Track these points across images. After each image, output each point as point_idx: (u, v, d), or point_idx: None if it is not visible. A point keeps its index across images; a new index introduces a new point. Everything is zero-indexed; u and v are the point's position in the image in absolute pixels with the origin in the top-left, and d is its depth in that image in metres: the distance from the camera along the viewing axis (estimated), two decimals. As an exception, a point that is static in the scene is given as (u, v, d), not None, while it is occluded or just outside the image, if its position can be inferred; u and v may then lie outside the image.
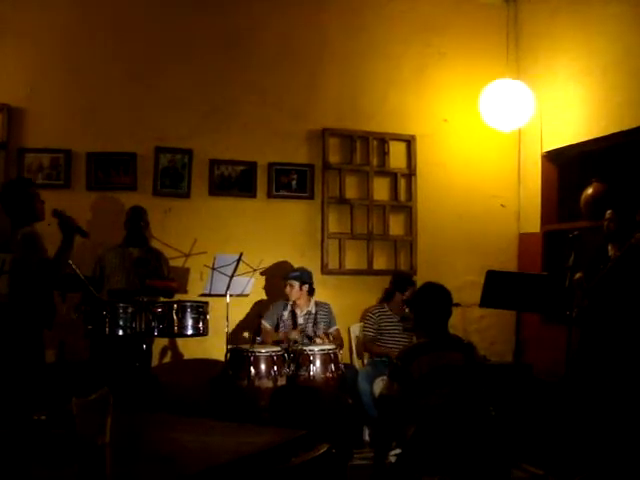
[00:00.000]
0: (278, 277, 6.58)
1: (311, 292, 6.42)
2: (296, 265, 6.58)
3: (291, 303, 6.34)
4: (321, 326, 6.34)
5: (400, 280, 6.64)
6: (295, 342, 6.01)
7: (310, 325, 6.32)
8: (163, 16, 6.56)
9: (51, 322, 4.97)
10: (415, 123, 7.23)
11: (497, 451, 4.00)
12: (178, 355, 6.35)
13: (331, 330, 6.41)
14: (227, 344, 5.83)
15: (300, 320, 6.33)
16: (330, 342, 6.22)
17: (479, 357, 4.40)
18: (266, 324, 6.27)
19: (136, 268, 5.84)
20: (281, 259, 6.67)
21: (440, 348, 4.10)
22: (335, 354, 5.90)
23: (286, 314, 6.36)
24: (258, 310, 6.51)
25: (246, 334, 6.43)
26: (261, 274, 6.51)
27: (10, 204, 4.91)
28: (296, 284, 6.32)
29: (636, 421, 4.67)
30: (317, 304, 6.44)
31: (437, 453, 3.85)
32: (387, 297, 6.62)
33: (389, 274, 6.90)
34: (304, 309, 6.38)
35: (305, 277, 6.37)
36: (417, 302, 4.36)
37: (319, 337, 6.22)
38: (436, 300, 4.24)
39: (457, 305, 6.20)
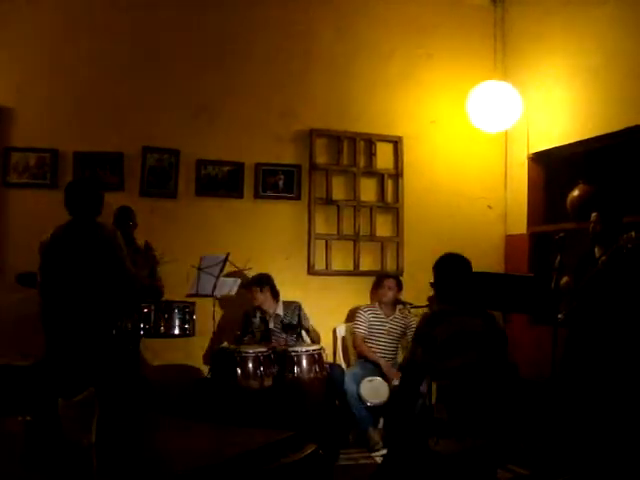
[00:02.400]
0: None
1: (275, 295, 6.41)
2: (282, 265, 6.59)
3: (258, 309, 6.34)
4: (294, 324, 6.30)
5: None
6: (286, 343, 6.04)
7: (279, 327, 6.30)
8: (150, 16, 6.54)
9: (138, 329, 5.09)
10: (402, 124, 7.23)
11: (513, 415, 4.26)
12: (165, 356, 6.33)
13: (307, 325, 6.40)
14: (213, 344, 5.82)
15: (271, 324, 6.32)
16: (311, 339, 6.29)
17: (500, 326, 4.52)
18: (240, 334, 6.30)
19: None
20: (267, 260, 6.66)
21: (461, 314, 4.26)
22: (320, 354, 5.89)
23: (257, 321, 6.34)
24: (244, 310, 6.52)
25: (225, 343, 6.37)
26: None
27: (84, 201, 4.75)
28: (256, 289, 6.31)
29: (622, 421, 4.68)
30: (285, 305, 6.43)
31: (456, 415, 4.00)
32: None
33: (376, 275, 6.92)
34: (272, 313, 6.36)
35: (263, 280, 6.35)
36: (438, 270, 4.46)
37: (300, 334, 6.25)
38: (455, 267, 4.41)
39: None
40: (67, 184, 4.97)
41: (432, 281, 4.51)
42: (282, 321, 6.29)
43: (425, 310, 6.04)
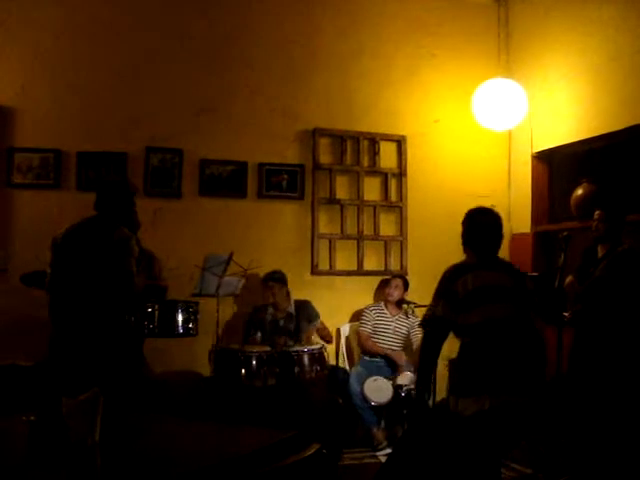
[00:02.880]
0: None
1: (287, 293, 6.46)
2: (285, 265, 6.59)
3: (271, 305, 6.37)
4: (304, 324, 6.36)
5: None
6: (285, 344, 6.04)
7: (292, 326, 6.33)
8: (154, 16, 6.55)
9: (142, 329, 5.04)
10: (406, 123, 7.23)
11: (540, 374, 3.95)
12: (168, 355, 6.33)
13: (316, 323, 6.43)
14: (217, 344, 5.82)
15: (281, 323, 6.34)
16: (321, 336, 6.39)
17: (530, 285, 4.23)
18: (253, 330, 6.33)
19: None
20: (271, 259, 6.65)
21: (487, 268, 4.04)
22: (321, 353, 5.90)
23: (268, 317, 6.36)
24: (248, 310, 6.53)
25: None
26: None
27: (112, 203, 4.73)
28: (275, 285, 6.34)
29: (627, 422, 4.67)
30: (296, 304, 6.46)
31: (475, 374, 3.82)
32: None
33: (379, 274, 6.92)
34: (284, 311, 6.38)
35: (282, 277, 6.40)
36: (465, 222, 4.30)
37: (305, 333, 6.27)
38: (484, 220, 4.24)
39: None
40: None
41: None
42: (297, 319, 6.37)
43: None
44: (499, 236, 4.21)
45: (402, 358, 6.42)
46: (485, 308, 3.86)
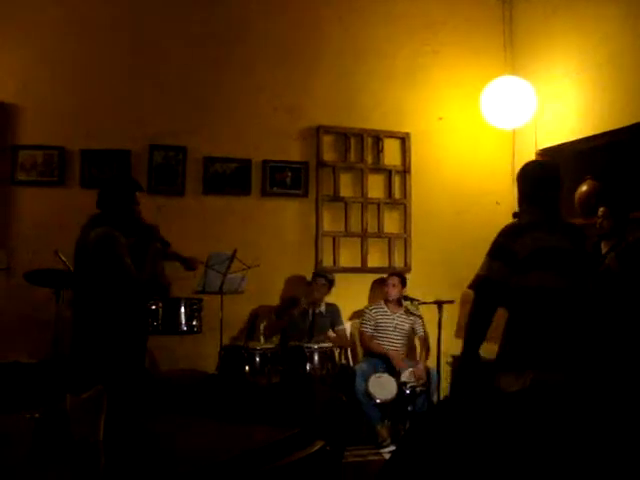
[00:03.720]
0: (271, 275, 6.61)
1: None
2: (289, 262, 6.60)
3: (309, 302, 6.45)
4: (327, 326, 6.48)
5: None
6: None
7: (317, 324, 6.36)
8: (157, 13, 6.55)
9: (146, 327, 4.92)
10: (410, 121, 7.22)
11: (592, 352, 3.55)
12: (172, 352, 6.33)
13: (337, 329, 6.49)
14: (221, 341, 5.83)
15: (310, 318, 6.37)
16: (336, 340, 6.42)
17: (589, 247, 3.90)
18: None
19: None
20: (275, 257, 6.66)
21: (547, 229, 3.61)
22: (332, 352, 5.93)
23: (296, 311, 6.40)
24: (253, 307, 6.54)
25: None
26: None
27: (109, 200, 4.68)
28: (323, 282, 6.50)
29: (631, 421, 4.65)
30: (327, 305, 6.53)
31: (519, 346, 3.47)
32: None
33: (383, 272, 6.92)
34: (317, 309, 6.43)
35: (334, 283, 6.59)
36: (522, 177, 3.95)
37: (325, 336, 6.36)
38: (543, 173, 3.87)
39: (451, 302, 6.25)
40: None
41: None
42: (323, 319, 6.46)
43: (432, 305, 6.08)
44: (557, 189, 3.80)
45: (400, 364, 6.38)
46: (540, 274, 3.49)
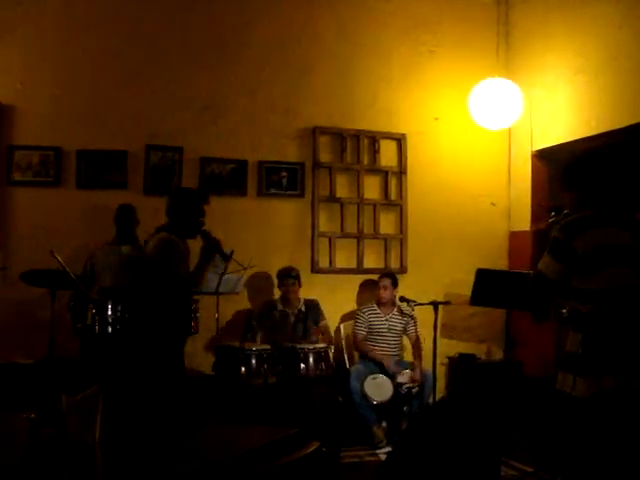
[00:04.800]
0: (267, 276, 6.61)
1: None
2: (287, 264, 6.59)
3: (281, 302, 6.42)
4: (310, 323, 6.40)
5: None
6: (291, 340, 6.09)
7: (301, 324, 6.36)
8: (154, 14, 6.54)
9: (189, 329, 5.13)
10: (406, 121, 7.23)
11: None
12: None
13: (320, 325, 6.47)
14: (217, 342, 5.83)
15: (291, 319, 6.36)
16: (322, 337, 6.38)
17: None
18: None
19: (127, 266, 5.82)
20: (271, 257, 6.66)
21: (608, 224, 3.36)
22: (327, 352, 5.93)
23: (277, 314, 6.39)
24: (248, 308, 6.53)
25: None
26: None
27: (176, 210, 4.98)
28: (294, 281, 6.42)
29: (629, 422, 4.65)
30: (306, 302, 6.48)
31: (593, 349, 3.25)
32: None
33: (379, 272, 6.92)
34: (295, 308, 6.41)
35: (300, 277, 6.48)
36: (579, 167, 3.64)
37: (313, 334, 6.30)
38: (603, 162, 3.62)
39: (447, 303, 6.26)
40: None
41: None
42: (305, 317, 6.42)
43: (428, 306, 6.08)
44: (619, 179, 3.57)
45: (394, 369, 6.35)
46: (608, 272, 3.27)
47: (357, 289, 7.02)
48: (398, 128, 7.20)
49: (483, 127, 7.11)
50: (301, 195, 6.91)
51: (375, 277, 6.83)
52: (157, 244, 4.76)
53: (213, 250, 4.91)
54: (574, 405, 3.27)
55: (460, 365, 6.68)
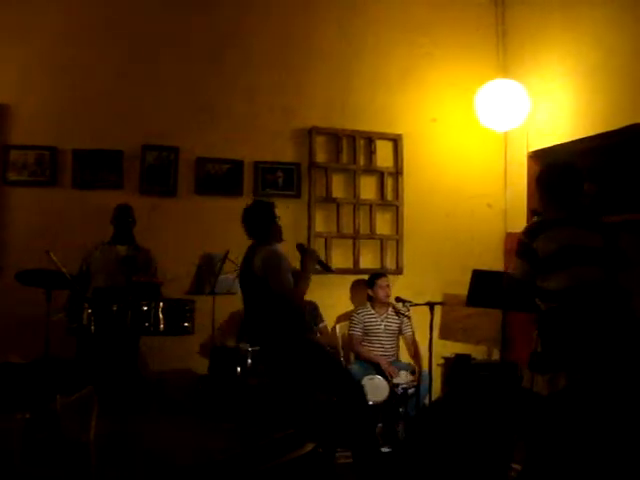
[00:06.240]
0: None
1: None
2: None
3: None
4: (311, 323, 6.40)
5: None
6: None
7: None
8: (150, 15, 6.54)
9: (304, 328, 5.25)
10: (402, 122, 7.22)
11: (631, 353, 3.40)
12: (164, 353, 6.32)
13: (320, 326, 6.47)
14: (213, 342, 5.82)
15: None
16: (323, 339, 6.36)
17: (622, 246, 3.67)
18: None
19: (123, 266, 5.82)
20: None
21: (573, 225, 3.54)
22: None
23: None
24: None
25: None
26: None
27: (257, 225, 5.09)
28: None
29: (626, 422, 4.65)
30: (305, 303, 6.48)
31: (552, 347, 3.37)
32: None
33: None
34: None
35: None
36: (542, 177, 3.89)
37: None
38: (563, 171, 3.82)
39: (443, 304, 6.26)
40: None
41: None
42: None
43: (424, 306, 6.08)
44: (580, 186, 3.78)
45: (392, 370, 6.36)
46: (572, 271, 3.41)
47: (358, 288, 6.99)
48: (395, 129, 7.20)
49: (482, 127, 7.11)
50: (297, 195, 6.90)
51: (365, 277, 6.83)
52: (267, 256, 4.87)
53: (312, 263, 5.13)
54: (536, 403, 3.40)
55: (456, 365, 6.68)
